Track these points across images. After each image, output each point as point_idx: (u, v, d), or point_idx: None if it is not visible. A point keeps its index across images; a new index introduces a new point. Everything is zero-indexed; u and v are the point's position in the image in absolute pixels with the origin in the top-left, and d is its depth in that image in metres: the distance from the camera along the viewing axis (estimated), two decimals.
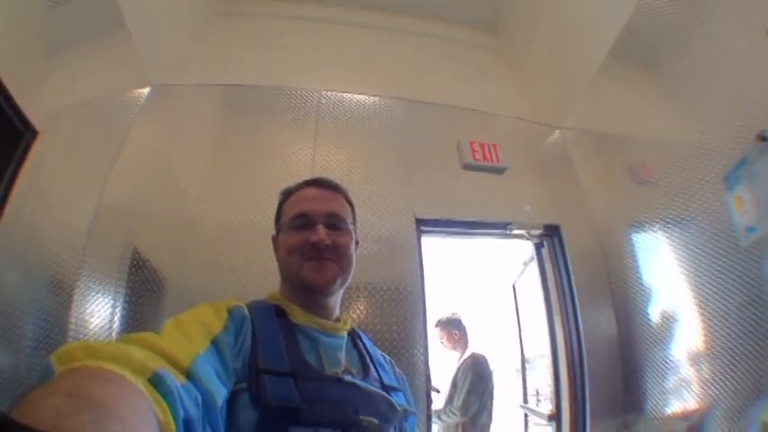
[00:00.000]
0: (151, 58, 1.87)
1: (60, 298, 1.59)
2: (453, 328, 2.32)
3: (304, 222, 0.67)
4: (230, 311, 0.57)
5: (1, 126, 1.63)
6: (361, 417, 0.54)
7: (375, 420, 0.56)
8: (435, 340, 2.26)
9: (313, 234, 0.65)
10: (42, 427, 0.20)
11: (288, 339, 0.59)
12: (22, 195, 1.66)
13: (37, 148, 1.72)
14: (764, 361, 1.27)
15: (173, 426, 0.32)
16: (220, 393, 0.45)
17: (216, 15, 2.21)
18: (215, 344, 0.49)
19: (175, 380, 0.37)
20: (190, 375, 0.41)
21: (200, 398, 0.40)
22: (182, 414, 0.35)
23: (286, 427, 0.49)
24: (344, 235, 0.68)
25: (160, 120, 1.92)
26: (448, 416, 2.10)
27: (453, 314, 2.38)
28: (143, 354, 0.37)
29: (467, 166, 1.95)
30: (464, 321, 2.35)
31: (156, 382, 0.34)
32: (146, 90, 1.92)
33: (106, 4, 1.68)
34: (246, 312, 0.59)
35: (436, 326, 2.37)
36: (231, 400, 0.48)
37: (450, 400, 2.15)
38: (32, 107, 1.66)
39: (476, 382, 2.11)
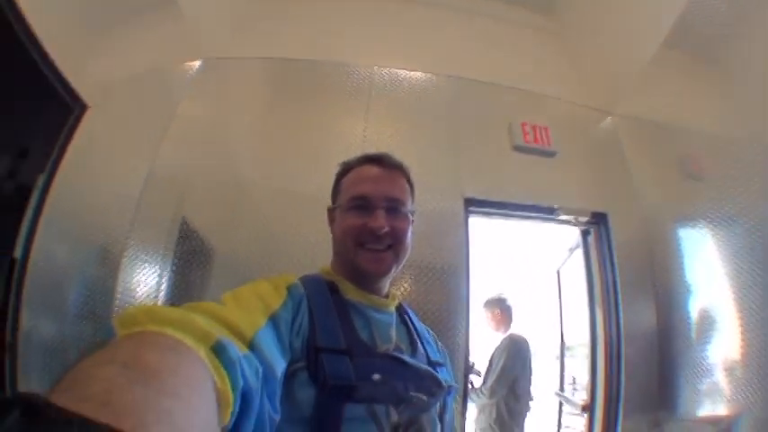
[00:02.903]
0: (203, 30, 1.85)
1: (107, 267, 1.60)
2: (496, 308, 2.30)
3: (363, 204, 0.65)
4: (289, 289, 0.57)
5: (50, 101, 1.64)
6: (411, 393, 0.56)
7: (424, 397, 0.57)
8: (478, 320, 2.23)
9: (372, 219, 0.64)
10: (90, 404, 0.19)
11: (342, 317, 0.59)
12: (72, 167, 1.67)
13: (86, 120, 1.73)
14: None
15: (230, 395, 0.32)
16: (280, 366, 0.45)
17: None
18: (273, 319, 0.49)
19: (238, 350, 0.36)
20: (252, 347, 0.41)
21: (260, 369, 0.40)
22: (241, 384, 0.34)
23: (342, 404, 0.50)
24: (403, 219, 0.67)
25: (211, 92, 1.90)
26: (478, 396, 2.09)
27: (500, 294, 2.36)
28: (206, 322, 0.37)
29: (517, 148, 1.92)
30: (510, 302, 2.32)
31: (218, 350, 0.33)
32: (197, 63, 1.91)
33: None
34: (303, 290, 0.59)
35: (483, 305, 2.35)
36: (289, 378, 0.49)
37: (484, 381, 2.14)
38: (82, 81, 1.67)
39: (508, 366, 2.08)
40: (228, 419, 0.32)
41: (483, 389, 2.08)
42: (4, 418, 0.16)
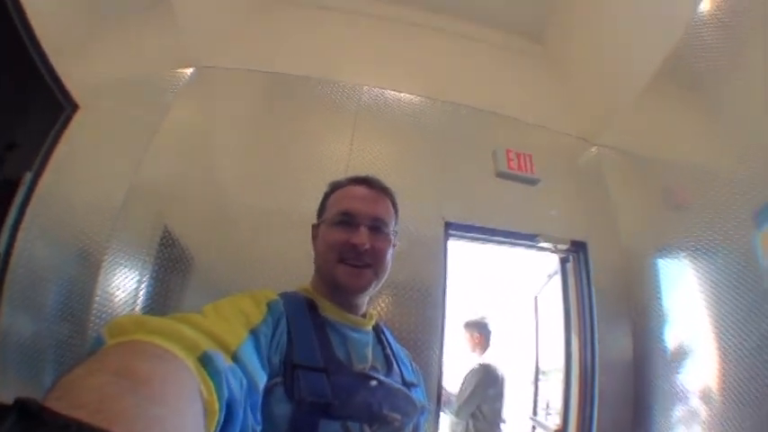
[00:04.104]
0: (196, 38, 1.87)
1: (87, 270, 1.59)
2: (475, 331, 2.32)
3: (348, 221, 0.67)
4: (269, 305, 0.58)
5: (42, 98, 1.64)
6: (385, 412, 0.57)
7: (397, 416, 0.58)
8: (453, 342, 2.26)
9: (355, 235, 0.66)
10: (83, 412, 0.20)
11: (319, 335, 0.61)
12: (58, 167, 1.67)
13: (76, 121, 1.72)
14: None
15: (216, 405, 0.32)
16: (262, 379, 0.46)
17: (264, 1, 2.19)
18: (254, 334, 0.50)
19: (224, 361, 0.37)
20: (236, 359, 0.42)
21: (245, 381, 0.41)
22: (226, 395, 0.35)
23: (317, 420, 0.51)
24: (384, 240, 0.69)
25: (200, 101, 1.92)
26: (444, 412, 2.11)
27: (481, 318, 2.38)
28: (194, 333, 0.38)
29: (501, 175, 1.94)
30: (490, 327, 2.34)
31: (205, 361, 0.34)
32: (188, 71, 1.93)
33: None
34: (282, 307, 0.60)
35: (464, 326, 2.38)
36: (266, 394, 0.49)
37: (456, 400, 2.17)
38: (74, 81, 1.65)
39: (476, 394, 2.11)
40: (214, 429, 0.32)
41: (449, 408, 2.10)
42: (2, 423, 0.16)
